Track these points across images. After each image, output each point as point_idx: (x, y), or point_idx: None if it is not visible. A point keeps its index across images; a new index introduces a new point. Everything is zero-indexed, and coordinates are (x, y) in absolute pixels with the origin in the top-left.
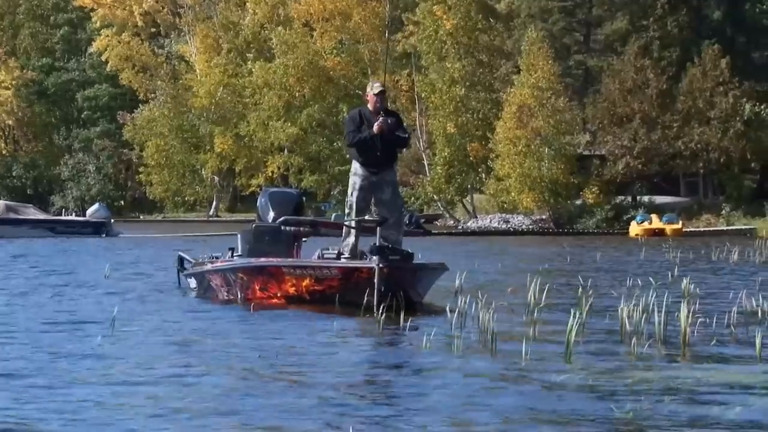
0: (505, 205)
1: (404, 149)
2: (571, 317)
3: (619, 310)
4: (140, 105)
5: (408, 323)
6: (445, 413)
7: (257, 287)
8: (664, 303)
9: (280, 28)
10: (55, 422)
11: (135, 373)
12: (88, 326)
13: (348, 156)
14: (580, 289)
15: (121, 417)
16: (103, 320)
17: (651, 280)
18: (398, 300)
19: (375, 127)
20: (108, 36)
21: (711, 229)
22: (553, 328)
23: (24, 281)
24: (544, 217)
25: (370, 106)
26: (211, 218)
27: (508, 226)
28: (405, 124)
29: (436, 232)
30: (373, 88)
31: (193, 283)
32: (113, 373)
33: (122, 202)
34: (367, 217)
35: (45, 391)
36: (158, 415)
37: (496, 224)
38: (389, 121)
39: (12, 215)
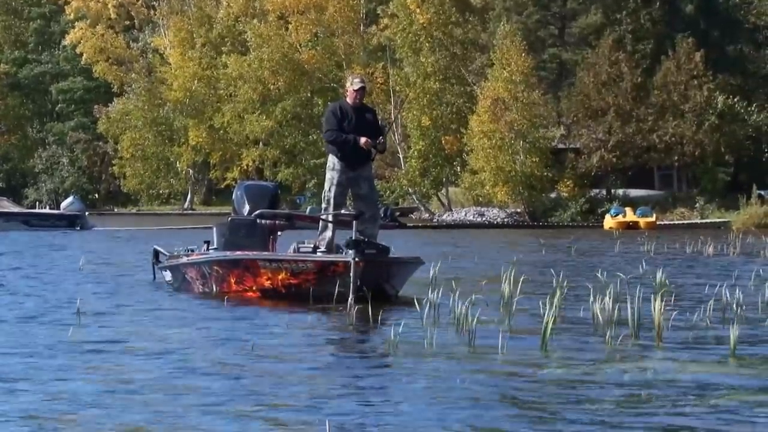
0: (480, 199)
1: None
2: (547, 309)
3: (591, 303)
4: (115, 98)
5: (382, 316)
6: (420, 405)
7: (233, 280)
8: (638, 295)
9: (254, 21)
10: (23, 413)
11: (103, 365)
12: (59, 318)
13: (324, 149)
14: (555, 282)
15: (91, 409)
16: (74, 313)
17: (624, 272)
18: (373, 293)
19: (363, 141)
20: (82, 28)
21: (685, 222)
22: (528, 320)
23: None
24: (518, 210)
25: (349, 101)
26: (185, 211)
27: (483, 219)
28: (380, 117)
29: (412, 225)
30: (353, 84)
31: (168, 276)
32: (80, 365)
33: (96, 195)
34: (343, 211)
35: (13, 383)
36: (129, 407)
37: (471, 217)
38: (368, 116)
39: None
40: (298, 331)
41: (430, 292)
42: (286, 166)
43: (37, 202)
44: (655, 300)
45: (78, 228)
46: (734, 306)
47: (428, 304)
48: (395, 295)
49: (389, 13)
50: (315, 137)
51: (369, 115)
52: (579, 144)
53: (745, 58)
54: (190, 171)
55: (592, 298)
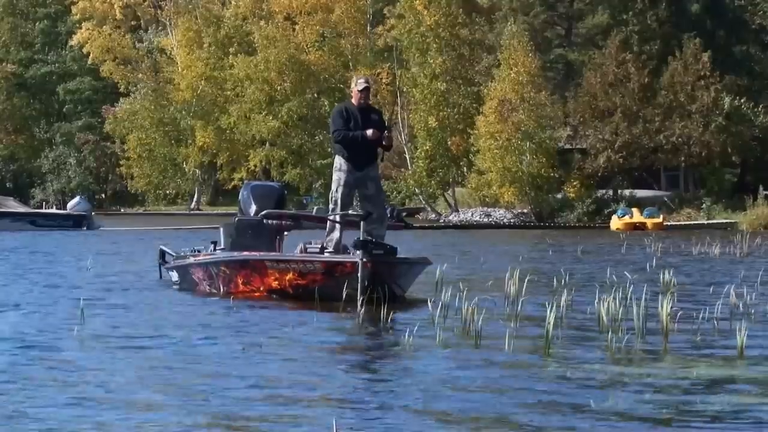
0: (487, 199)
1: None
2: (552, 310)
3: (598, 304)
4: (121, 98)
5: (389, 317)
6: (427, 406)
7: (240, 281)
8: (644, 296)
9: (262, 22)
10: (29, 413)
11: (109, 366)
12: (66, 318)
13: (331, 150)
14: (562, 282)
15: (94, 409)
16: (80, 312)
17: (631, 273)
18: (381, 294)
19: (370, 132)
20: (89, 28)
21: (692, 223)
22: (535, 321)
23: (4, 274)
24: (525, 211)
25: (354, 101)
26: (192, 212)
27: (490, 219)
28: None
29: (418, 225)
30: (357, 84)
31: (174, 276)
32: (85, 364)
33: (103, 195)
34: (351, 212)
35: (17, 384)
36: (134, 408)
37: (477, 218)
38: (373, 117)
39: None
40: (305, 332)
41: (439, 293)
42: (293, 166)
43: (44, 202)
44: (662, 300)
45: (84, 228)
46: (741, 306)
47: (436, 304)
48: (402, 295)
49: (396, 13)
50: (321, 138)
51: (374, 116)
52: (586, 144)
53: (752, 58)
54: (197, 171)
55: (598, 299)
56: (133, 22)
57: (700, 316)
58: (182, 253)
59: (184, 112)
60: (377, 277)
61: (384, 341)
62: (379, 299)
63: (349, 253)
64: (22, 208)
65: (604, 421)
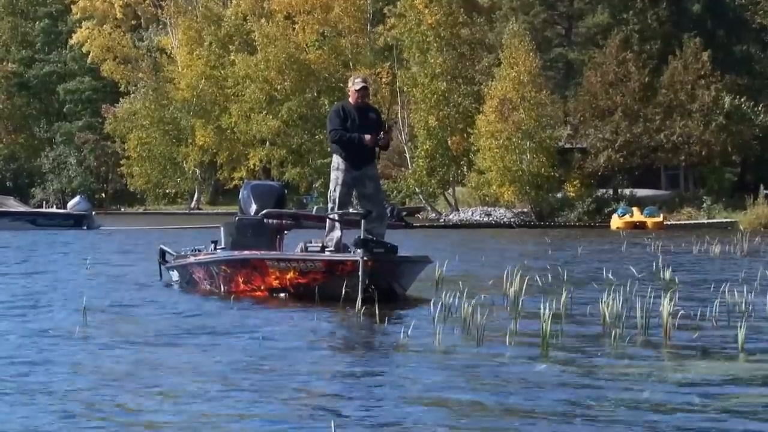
0: (487, 198)
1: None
2: (552, 308)
3: (600, 302)
4: (121, 97)
5: (390, 315)
6: (426, 405)
7: (241, 280)
8: (646, 295)
9: (262, 21)
10: (29, 416)
11: (108, 366)
12: (67, 320)
13: (329, 150)
14: (562, 281)
15: (98, 407)
16: (81, 312)
17: (633, 271)
18: (381, 292)
19: (368, 138)
20: (89, 28)
21: (692, 222)
22: (535, 320)
23: (3, 274)
24: (525, 210)
25: (351, 101)
26: (192, 211)
27: (490, 219)
28: (384, 118)
29: (418, 225)
30: (354, 84)
31: (175, 275)
32: (86, 366)
33: (103, 195)
34: (351, 210)
35: (18, 384)
36: (133, 408)
37: (477, 217)
38: (371, 116)
39: None
40: (305, 331)
41: (438, 292)
42: (293, 165)
43: (44, 202)
44: (663, 299)
45: (85, 227)
46: (741, 305)
47: (436, 304)
48: (403, 294)
49: (396, 13)
50: (321, 137)
51: (372, 115)
52: (586, 144)
53: (752, 58)
54: (197, 171)
55: (599, 297)
56: (133, 22)
57: (701, 315)
58: (182, 253)
59: (184, 111)
60: (378, 275)
61: (383, 340)
62: (379, 298)
63: (350, 252)
64: (22, 208)
65: (606, 420)
